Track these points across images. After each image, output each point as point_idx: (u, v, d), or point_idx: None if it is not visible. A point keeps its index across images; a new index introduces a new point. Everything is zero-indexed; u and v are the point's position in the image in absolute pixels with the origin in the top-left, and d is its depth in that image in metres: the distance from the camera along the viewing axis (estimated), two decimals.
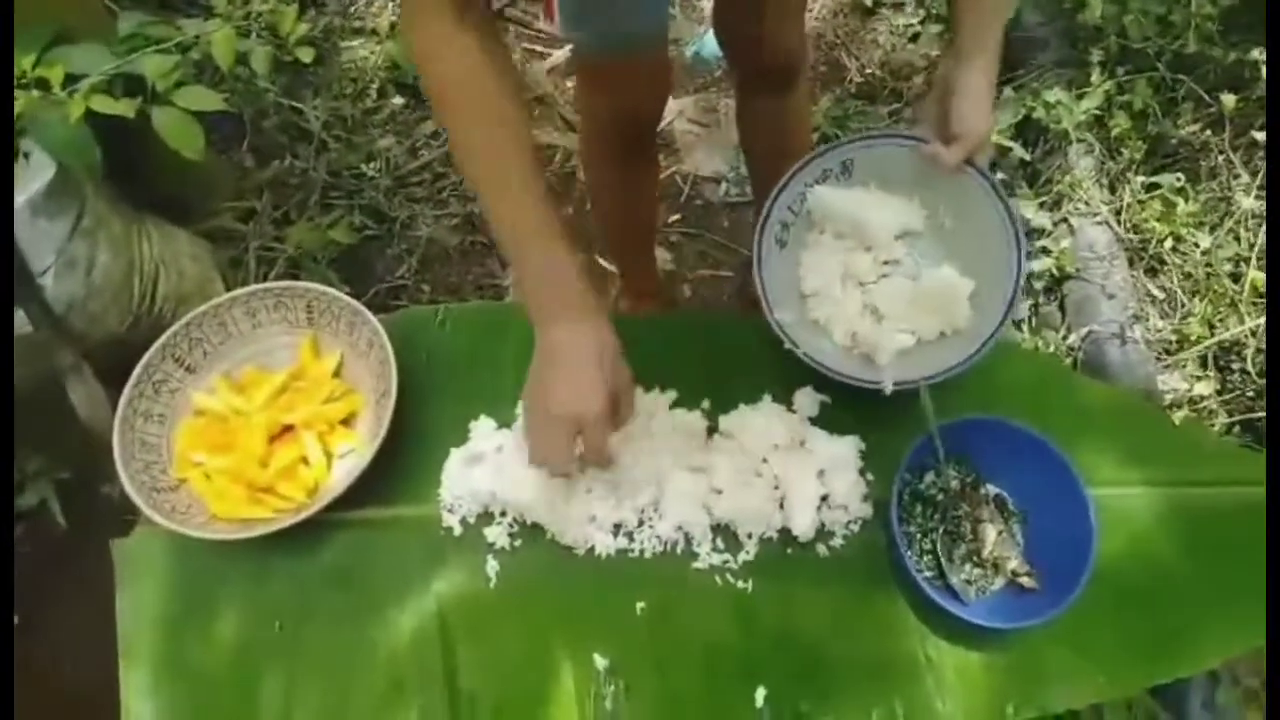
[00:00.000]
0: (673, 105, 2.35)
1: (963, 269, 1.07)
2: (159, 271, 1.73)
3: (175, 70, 1.51)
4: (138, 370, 1.05)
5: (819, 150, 1.09)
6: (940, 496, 1.04)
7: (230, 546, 1.02)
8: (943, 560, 1.01)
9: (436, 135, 2.31)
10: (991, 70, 0.98)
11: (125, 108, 1.40)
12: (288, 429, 1.08)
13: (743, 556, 1.03)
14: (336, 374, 1.12)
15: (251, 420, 1.06)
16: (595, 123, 1.51)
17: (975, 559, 1.02)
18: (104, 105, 1.36)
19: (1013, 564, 1.00)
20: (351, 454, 1.07)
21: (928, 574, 1.00)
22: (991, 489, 1.06)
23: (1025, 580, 0.99)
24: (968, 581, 1.01)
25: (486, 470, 1.03)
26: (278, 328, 1.13)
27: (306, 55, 1.76)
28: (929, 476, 1.05)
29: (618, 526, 1.03)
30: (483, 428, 1.08)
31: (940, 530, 1.03)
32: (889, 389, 1.01)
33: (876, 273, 1.10)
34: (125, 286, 1.67)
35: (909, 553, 0.98)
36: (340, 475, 1.04)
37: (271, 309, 1.12)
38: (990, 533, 1.02)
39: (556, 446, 0.88)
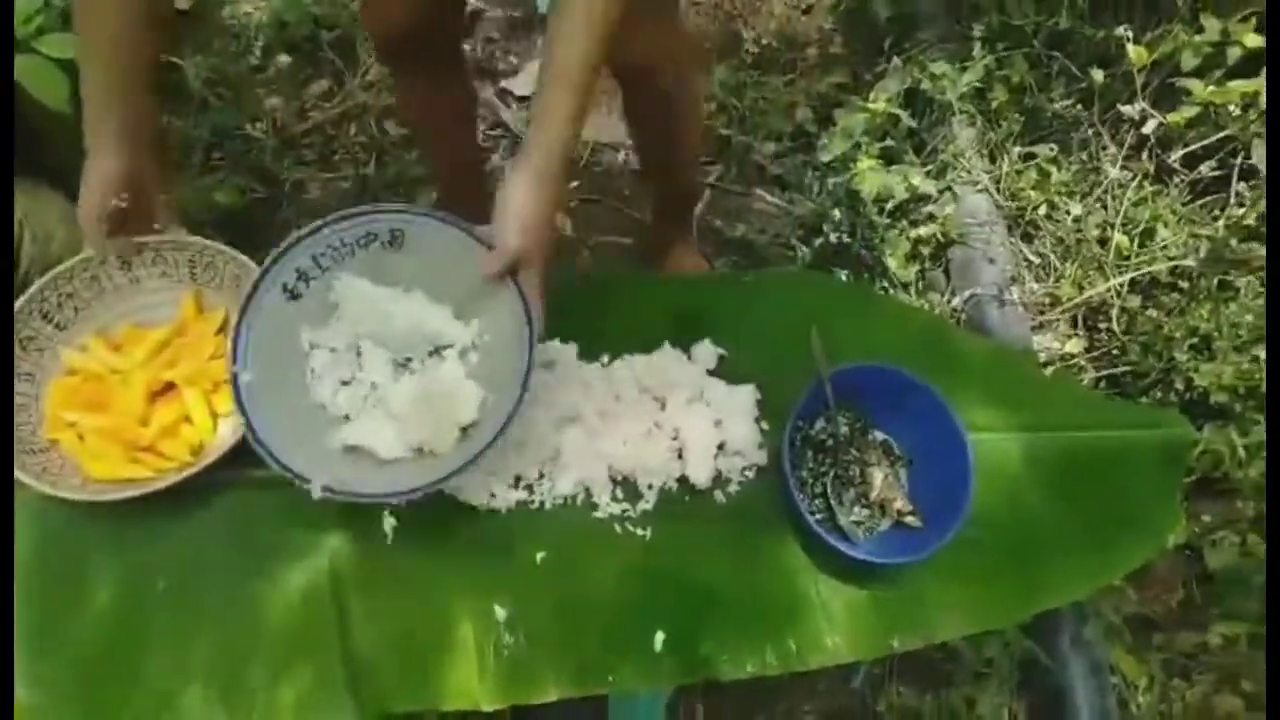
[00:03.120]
0: None
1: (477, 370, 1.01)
2: (23, 233, 1.63)
3: (37, 15, 1.42)
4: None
5: (365, 212, 1.00)
6: (830, 442, 1.08)
7: (105, 511, 0.97)
8: (833, 503, 1.05)
9: (328, 96, 2.24)
10: (542, 186, 0.94)
11: None
12: (169, 387, 1.04)
13: (642, 505, 1.04)
14: (220, 331, 1.08)
15: (130, 377, 1.01)
16: (367, 25, 1.53)
17: (864, 501, 1.06)
18: None
19: (898, 504, 1.05)
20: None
21: (819, 516, 1.04)
22: (879, 435, 1.10)
23: (910, 520, 1.04)
24: (856, 522, 1.05)
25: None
26: (157, 283, 1.08)
27: (184, 1, 1.68)
28: (819, 423, 1.09)
29: (518, 479, 1.03)
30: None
31: (831, 474, 1.06)
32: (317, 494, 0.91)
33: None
34: None
35: (801, 496, 1.01)
36: (226, 434, 1.01)
37: (150, 263, 1.07)
38: (877, 476, 1.06)
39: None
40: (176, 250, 1.07)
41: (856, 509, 1.06)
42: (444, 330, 1.02)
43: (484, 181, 1.97)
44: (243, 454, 0.99)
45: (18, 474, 0.93)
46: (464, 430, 0.98)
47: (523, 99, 2.30)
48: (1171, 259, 1.85)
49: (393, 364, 1.02)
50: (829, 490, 1.06)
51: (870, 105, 2.03)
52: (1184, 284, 1.86)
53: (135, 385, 1.01)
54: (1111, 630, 1.61)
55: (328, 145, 2.17)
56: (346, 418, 1.00)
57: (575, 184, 2.18)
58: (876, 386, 1.07)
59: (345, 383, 1.01)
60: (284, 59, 2.25)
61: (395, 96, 1.79)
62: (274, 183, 2.07)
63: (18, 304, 1.01)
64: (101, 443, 0.99)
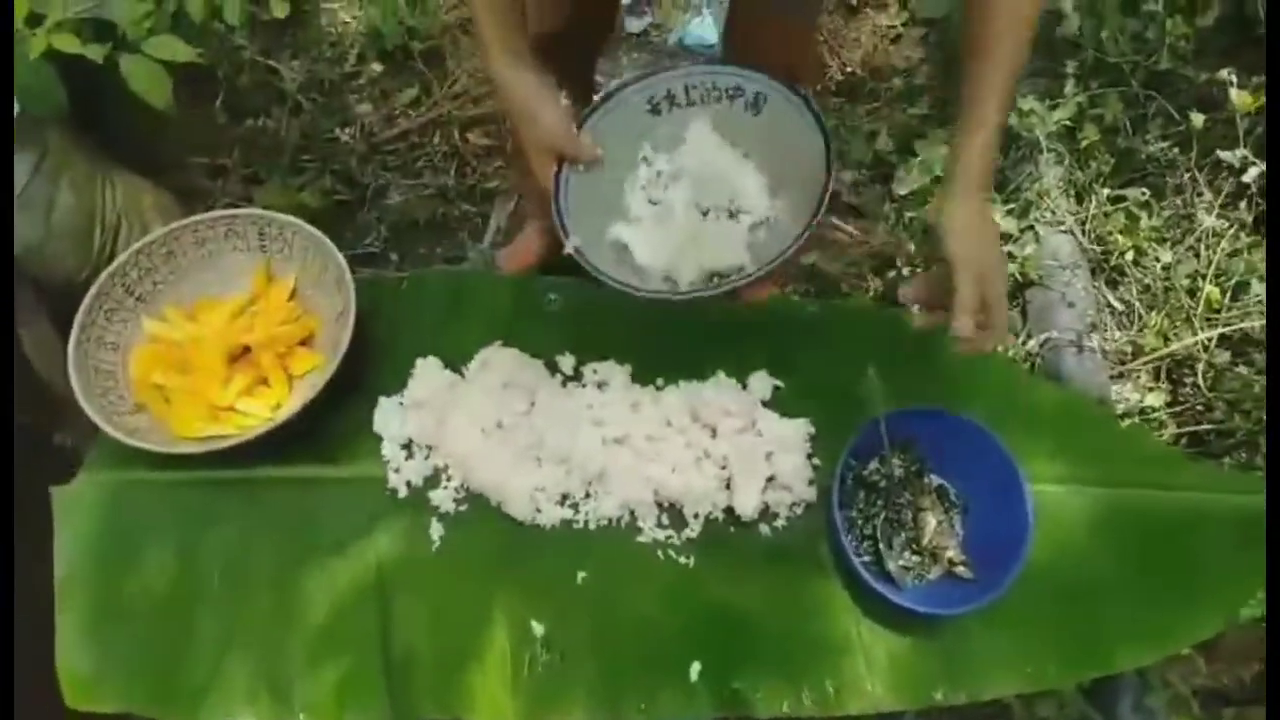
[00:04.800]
0: None
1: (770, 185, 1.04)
2: (121, 222, 1.70)
3: (148, 18, 1.48)
4: (88, 298, 1.05)
5: (743, 71, 1.04)
6: (883, 483, 1.05)
7: (171, 494, 1.02)
8: (882, 546, 1.03)
9: (416, 104, 2.29)
10: (980, 204, 0.93)
11: (93, 51, 1.37)
12: (245, 352, 1.08)
13: (686, 533, 1.04)
14: (292, 298, 1.12)
15: (208, 343, 1.06)
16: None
17: (914, 547, 1.03)
18: (68, 45, 1.33)
19: (950, 553, 1.01)
20: (313, 374, 1.07)
21: (866, 559, 1.02)
22: (934, 479, 1.07)
23: (961, 570, 1.01)
24: (905, 568, 1.02)
25: (426, 418, 1.03)
26: (229, 256, 1.13)
27: (281, 10, 1.74)
28: (873, 463, 1.06)
29: (564, 497, 1.04)
30: (426, 368, 1.08)
31: (881, 516, 1.04)
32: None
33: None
34: (86, 234, 1.64)
35: (848, 537, 0.99)
36: (303, 393, 1.04)
37: (222, 237, 1.12)
38: (930, 521, 1.03)
39: (545, 171, 0.99)
40: (247, 223, 1.11)
41: (906, 554, 1.03)
42: (753, 199, 1.04)
43: None
44: (305, 452, 1.03)
45: (113, 432, 0.97)
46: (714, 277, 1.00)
47: None
48: (1266, 316, 1.76)
49: (696, 206, 1.05)
50: (878, 533, 1.03)
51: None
52: None
53: (213, 349, 1.06)
54: (1178, 701, 1.53)
55: (411, 153, 2.22)
56: (633, 218, 1.04)
57: None
58: (935, 429, 1.04)
59: (651, 201, 1.04)
60: (376, 67, 2.32)
61: None
62: (358, 186, 2.13)
63: (101, 278, 1.06)
64: (187, 403, 1.04)
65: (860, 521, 1.04)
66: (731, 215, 1.05)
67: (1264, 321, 1.75)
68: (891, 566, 1.02)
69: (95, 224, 1.65)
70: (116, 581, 1.00)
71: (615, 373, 1.10)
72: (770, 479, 1.05)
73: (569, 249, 0.97)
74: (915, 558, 1.03)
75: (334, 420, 1.06)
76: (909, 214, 2.01)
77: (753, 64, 1.01)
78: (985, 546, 1.02)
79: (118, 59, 1.47)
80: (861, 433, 1.02)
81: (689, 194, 1.04)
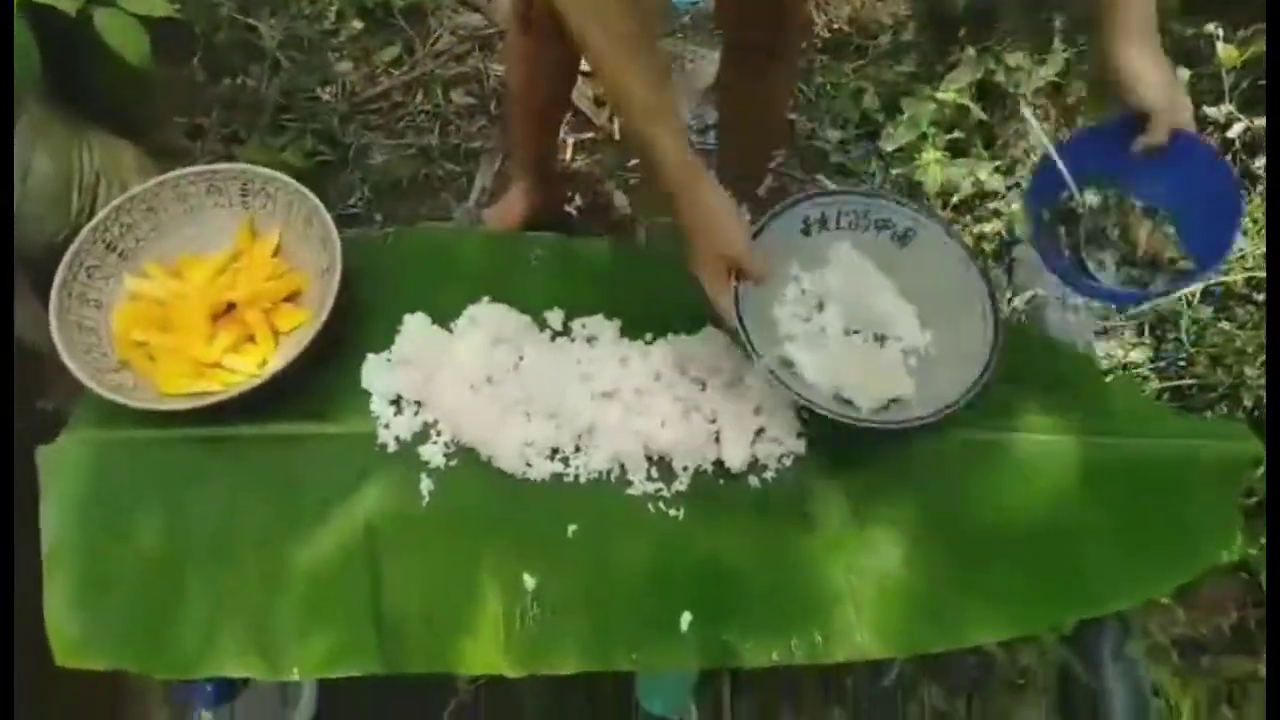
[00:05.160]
0: None
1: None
2: (99, 182, 1.68)
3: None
4: (69, 255, 1.03)
5: (897, 201, 1.10)
6: (1082, 210, 1.05)
7: (157, 453, 1.01)
8: (1092, 267, 1.04)
9: (397, 62, 2.26)
10: (1151, 40, 0.95)
11: (65, 3, 1.34)
12: (230, 308, 1.07)
13: (676, 486, 1.04)
14: (276, 254, 1.11)
15: (191, 299, 1.05)
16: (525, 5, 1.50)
17: (1129, 261, 1.04)
18: None
19: (1169, 253, 1.02)
20: (299, 330, 1.06)
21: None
22: (1136, 202, 1.05)
23: (1183, 265, 1.01)
24: (1124, 284, 1.04)
25: (414, 374, 1.03)
26: (211, 212, 1.11)
27: None
28: (1063, 195, 1.05)
29: (554, 451, 1.04)
30: (414, 323, 1.08)
31: (1082, 241, 1.05)
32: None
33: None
34: (63, 197, 1.62)
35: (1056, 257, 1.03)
36: (289, 349, 1.03)
37: (204, 193, 1.10)
38: (1141, 234, 1.03)
39: (720, 285, 1.00)
40: (229, 178, 1.10)
41: (1123, 270, 1.04)
42: (903, 327, 1.09)
43: (558, 152, 1.97)
44: (293, 409, 1.02)
45: (98, 389, 0.96)
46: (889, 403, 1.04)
47: (588, 74, 2.29)
48: (1248, 269, 1.78)
49: (844, 328, 1.08)
50: (1085, 258, 1.04)
51: (939, 95, 1.98)
52: (1260, 296, 1.78)
53: (197, 306, 1.05)
54: (1157, 650, 1.56)
55: (394, 112, 2.19)
56: (787, 337, 1.07)
57: (635, 161, 2.17)
58: (1119, 143, 1.01)
59: (801, 317, 1.08)
60: (356, 25, 2.28)
61: (509, 55, 1.77)
62: (340, 146, 2.10)
63: (81, 234, 1.04)
64: (171, 360, 1.03)
65: (1066, 251, 1.05)
66: (879, 339, 1.09)
67: (1247, 276, 1.76)
68: (1109, 283, 1.04)
69: (72, 187, 1.63)
70: (104, 541, 0.99)
71: (604, 327, 1.09)
72: (759, 431, 1.05)
73: (760, 368, 0.99)
74: (1133, 270, 1.03)
75: (322, 377, 1.05)
76: (895, 170, 2.01)
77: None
78: (1200, 241, 1.02)
79: (91, 12, 1.44)
80: (1039, 173, 1.04)
81: (838, 315, 1.08)
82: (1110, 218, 1.05)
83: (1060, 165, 1.03)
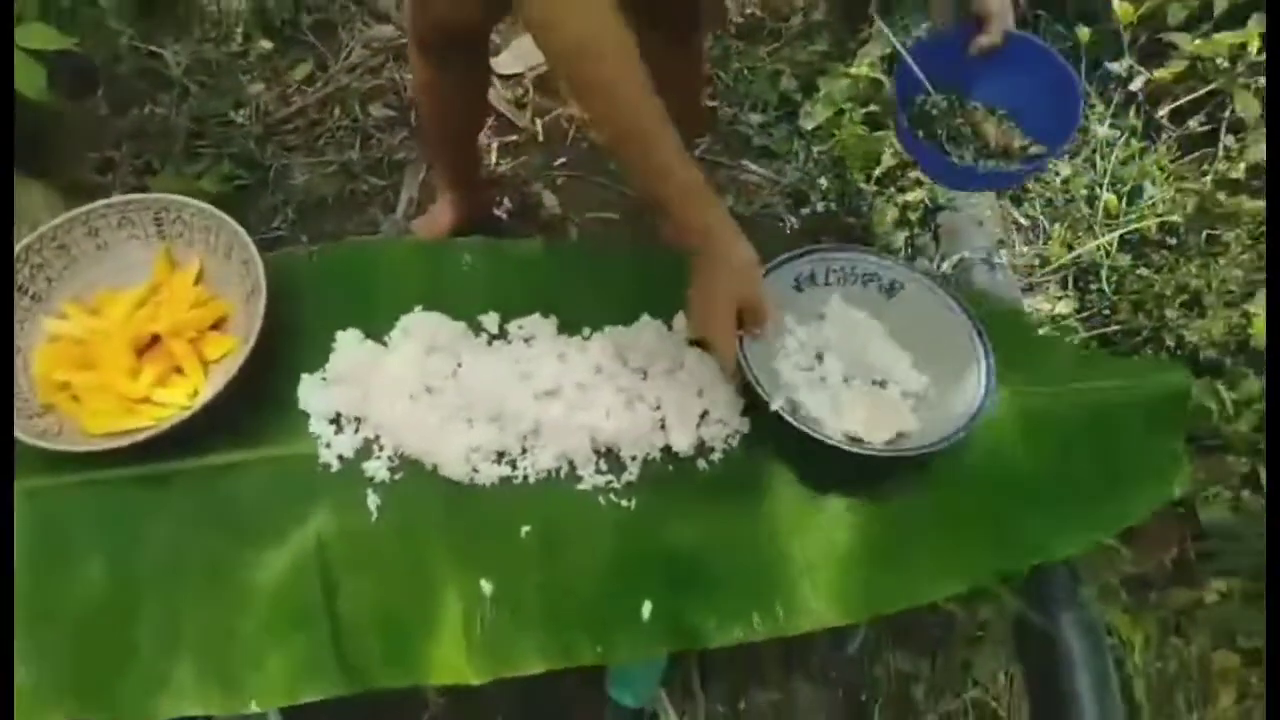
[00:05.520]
0: None
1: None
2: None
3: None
4: None
5: (878, 257, 1.16)
6: (935, 112, 1.17)
7: (91, 493, 0.98)
8: (953, 158, 1.16)
9: (310, 80, 2.22)
10: None
11: None
12: (155, 341, 1.05)
13: (626, 476, 1.04)
14: (198, 282, 1.08)
15: (112, 335, 1.02)
16: (412, 19, 1.50)
17: (984, 153, 1.16)
18: None
19: (1017, 142, 1.15)
20: (228, 358, 1.04)
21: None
22: (976, 104, 1.19)
23: (1033, 149, 1.17)
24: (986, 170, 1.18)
25: (352, 391, 1.02)
26: (126, 245, 1.08)
27: None
28: (919, 99, 1.18)
29: (501, 454, 1.03)
30: (347, 340, 1.06)
31: (943, 137, 1.16)
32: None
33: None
34: None
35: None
36: (219, 379, 1.01)
37: (115, 226, 1.07)
38: (989, 128, 1.15)
39: (729, 328, 1.01)
40: (141, 209, 1.07)
41: (981, 161, 1.16)
42: (900, 375, 1.11)
43: (481, 160, 1.96)
44: (231, 438, 1.01)
45: (22, 436, 0.93)
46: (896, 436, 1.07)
47: (507, 77, 2.28)
48: (1160, 216, 1.84)
49: (843, 376, 1.11)
50: (949, 154, 1.17)
51: (853, 71, 2.01)
52: (1173, 241, 1.85)
53: (119, 342, 1.02)
54: (1107, 591, 1.61)
55: (311, 130, 2.16)
56: (792, 386, 1.08)
57: (561, 160, 2.16)
58: (963, 45, 1.16)
59: (801, 368, 1.10)
60: (265, 44, 2.23)
61: (413, 83, 1.82)
62: (259, 169, 2.06)
63: None
64: (97, 399, 1.00)
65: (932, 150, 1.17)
66: (879, 384, 1.12)
67: (1159, 221, 1.82)
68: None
69: None
70: (47, 591, 0.96)
71: (541, 326, 1.09)
72: (703, 414, 1.06)
73: (774, 409, 1.00)
74: (990, 161, 1.16)
75: (257, 402, 1.03)
76: (818, 149, 2.04)
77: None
78: (1045, 130, 1.17)
79: None
80: (897, 79, 1.16)
81: (838, 364, 1.11)
82: (958, 117, 1.17)
83: (915, 69, 1.15)
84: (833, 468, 1.04)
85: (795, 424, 1.00)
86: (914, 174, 1.99)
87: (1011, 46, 1.15)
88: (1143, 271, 1.83)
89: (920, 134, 1.18)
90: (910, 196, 1.95)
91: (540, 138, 2.18)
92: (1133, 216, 1.87)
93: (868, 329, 1.13)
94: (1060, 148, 1.20)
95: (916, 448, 1.03)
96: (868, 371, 1.12)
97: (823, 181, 2.00)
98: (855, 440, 1.04)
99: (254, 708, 0.92)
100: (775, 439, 1.06)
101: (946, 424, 1.04)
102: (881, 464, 1.05)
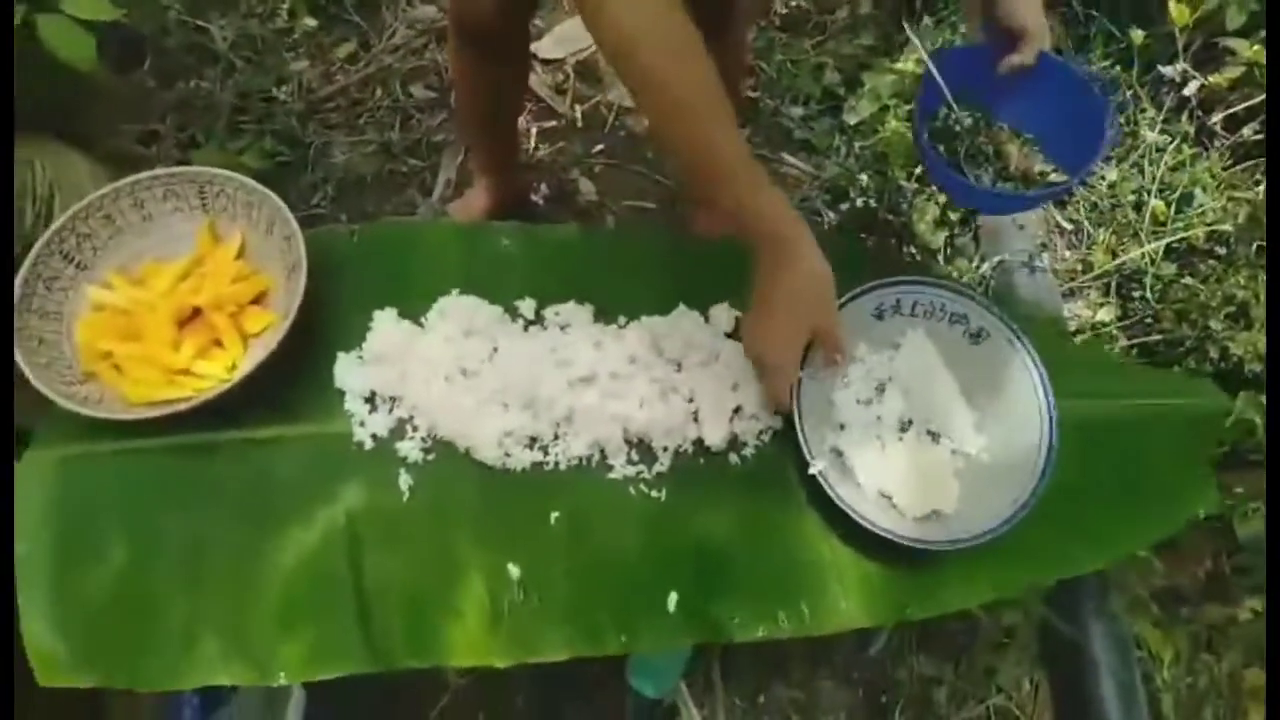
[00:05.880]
0: None
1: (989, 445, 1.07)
2: (54, 194, 1.65)
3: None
4: (24, 268, 1.01)
5: (971, 298, 1.10)
6: (958, 128, 1.13)
7: (129, 464, 0.99)
8: (971, 179, 1.12)
9: (353, 59, 2.23)
10: None
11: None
12: (196, 314, 1.05)
13: (656, 468, 1.04)
14: (239, 256, 1.09)
15: (156, 307, 1.03)
16: (452, 4, 1.49)
17: (1004, 177, 1.12)
18: None
19: (1038, 167, 1.11)
20: (267, 332, 1.04)
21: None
22: (1002, 125, 1.15)
23: (1054, 177, 1.12)
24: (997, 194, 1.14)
25: (388, 371, 1.02)
26: (171, 218, 1.09)
27: None
28: (942, 112, 1.14)
29: (533, 439, 1.03)
30: (385, 319, 1.07)
31: (962, 155, 1.12)
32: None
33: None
34: (16, 212, 1.59)
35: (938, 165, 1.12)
36: (259, 352, 1.01)
37: (160, 198, 1.08)
38: (1011, 151, 1.11)
39: (793, 359, 0.96)
40: (186, 182, 1.08)
41: (999, 185, 1.12)
42: (958, 428, 1.07)
43: (519, 146, 1.96)
44: (266, 412, 1.01)
45: (65, 403, 0.94)
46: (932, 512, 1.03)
47: (548, 62, 2.27)
48: (1209, 225, 1.80)
49: (899, 418, 1.07)
50: (964, 169, 1.12)
51: (899, 67, 1.99)
52: (1221, 250, 1.81)
53: (162, 313, 1.03)
54: (1138, 603, 1.59)
55: (353, 109, 2.17)
56: (841, 425, 1.05)
57: (600, 148, 2.16)
58: (990, 63, 1.11)
59: (860, 400, 1.07)
60: (309, 22, 2.25)
61: (452, 68, 1.80)
62: (300, 146, 2.07)
63: (35, 247, 1.02)
64: (139, 369, 1.01)
65: (949, 166, 1.12)
66: (932, 436, 1.08)
67: (1209, 230, 1.79)
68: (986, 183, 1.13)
69: (26, 199, 1.60)
70: (78, 557, 0.98)
71: (577, 313, 1.09)
72: (737, 409, 1.05)
73: (813, 471, 0.99)
74: (1008, 184, 1.12)
75: (293, 378, 1.04)
76: (860, 144, 2.02)
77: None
78: (1069, 157, 1.12)
79: (35, 19, 1.41)
80: (923, 90, 1.11)
81: (897, 402, 1.07)
82: (981, 136, 1.13)
83: (940, 81, 1.10)
84: None
85: (830, 492, 0.98)
86: None
87: (1043, 68, 1.09)
88: (1188, 281, 1.79)
89: (941, 149, 1.14)
90: None
91: (579, 124, 2.18)
92: (1180, 224, 1.83)
93: (940, 373, 1.09)
94: (1080, 177, 1.13)
95: (946, 541, 0.99)
96: (927, 416, 1.08)
97: (863, 177, 1.98)
98: (887, 500, 1.02)
99: (281, 679, 0.93)
100: None
101: (986, 507, 1.00)
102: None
